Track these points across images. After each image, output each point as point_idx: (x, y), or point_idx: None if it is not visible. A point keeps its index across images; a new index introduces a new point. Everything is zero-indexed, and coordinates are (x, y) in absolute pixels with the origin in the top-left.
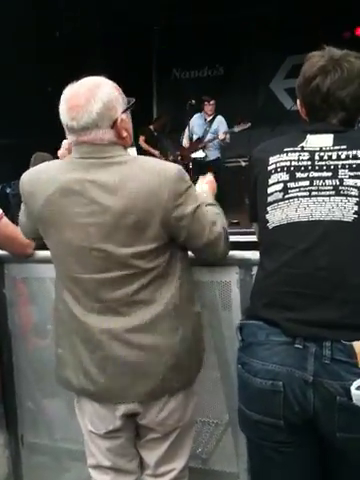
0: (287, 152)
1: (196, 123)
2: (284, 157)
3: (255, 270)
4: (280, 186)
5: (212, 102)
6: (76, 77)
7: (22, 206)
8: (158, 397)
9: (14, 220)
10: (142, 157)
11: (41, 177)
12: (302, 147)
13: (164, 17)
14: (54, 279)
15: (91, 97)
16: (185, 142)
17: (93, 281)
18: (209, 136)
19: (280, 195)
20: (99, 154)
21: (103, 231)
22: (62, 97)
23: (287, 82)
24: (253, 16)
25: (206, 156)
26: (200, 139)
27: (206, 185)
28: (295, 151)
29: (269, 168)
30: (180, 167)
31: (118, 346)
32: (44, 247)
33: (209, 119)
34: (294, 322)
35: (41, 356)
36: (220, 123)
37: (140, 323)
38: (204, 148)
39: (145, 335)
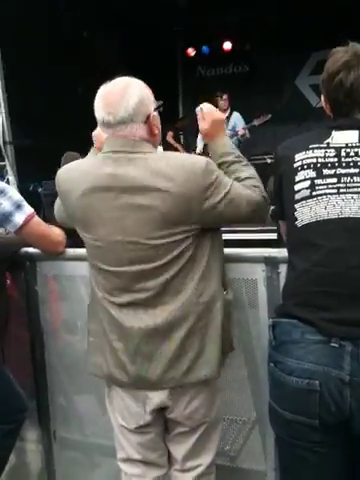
0: (313, 149)
1: None
2: (310, 154)
3: (281, 268)
4: (307, 183)
5: (225, 97)
6: (104, 78)
7: (58, 200)
8: (185, 390)
9: (46, 219)
10: (171, 152)
11: (74, 174)
12: (328, 143)
13: (188, 16)
14: (84, 277)
15: (126, 93)
16: (200, 147)
17: (126, 274)
18: (227, 133)
19: (308, 192)
20: (131, 149)
21: (136, 224)
22: (98, 94)
23: (312, 78)
24: (277, 13)
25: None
26: None
27: (213, 123)
28: (321, 148)
29: (295, 165)
30: (208, 159)
31: (149, 335)
32: (74, 245)
33: (225, 116)
34: (329, 321)
35: (72, 352)
36: (237, 119)
37: (171, 312)
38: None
39: (176, 324)
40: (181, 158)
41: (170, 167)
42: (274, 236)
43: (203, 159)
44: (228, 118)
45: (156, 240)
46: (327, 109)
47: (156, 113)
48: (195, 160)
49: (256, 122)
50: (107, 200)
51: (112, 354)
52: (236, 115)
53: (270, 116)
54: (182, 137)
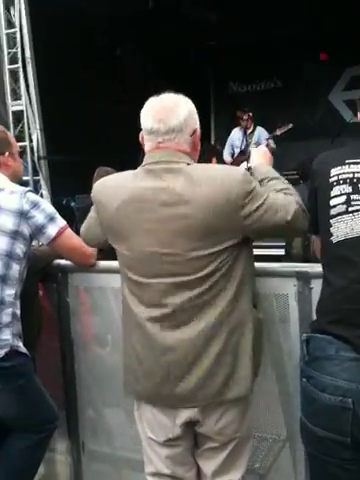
0: (349, 164)
1: (235, 137)
2: (346, 169)
3: (313, 283)
4: (343, 198)
5: (246, 117)
6: (137, 94)
7: (91, 213)
8: (216, 405)
9: (78, 232)
10: (210, 165)
11: (111, 186)
12: None
13: (220, 31)
14: (115, 289)
15: (178, 104)
16: (228, 159)
17: (158, 285)
18: (264, 143)
19: (343, 208)
20: (173, 159)
21: (173, 236)
22: (147, 104)
23: (346, 94)
24: (311, 28)
25: (250, 168)
26: (243, 152)
27: (261, 156)
28: (357, 163)
29: (331, 180)
30: (245, 170)
31: (181, 351)
32: (105, 258)
33: (249, 131)
34: None
35: (102, 365)
36: (261, 133)
37: (203, 328)
38: (248, 160)
39: (208, 341)
40: (220, 167)
41: (209, 176)
42: (282, 252)
43: (241, 169)
44: (252, 133)
45: (192, 252)
46: None
47: (199, 132)
48: (234, 169)
49: (278, 132)
50: (145, 211)
51: (143, 371)
52: (260, 129)
53: (291, 125)
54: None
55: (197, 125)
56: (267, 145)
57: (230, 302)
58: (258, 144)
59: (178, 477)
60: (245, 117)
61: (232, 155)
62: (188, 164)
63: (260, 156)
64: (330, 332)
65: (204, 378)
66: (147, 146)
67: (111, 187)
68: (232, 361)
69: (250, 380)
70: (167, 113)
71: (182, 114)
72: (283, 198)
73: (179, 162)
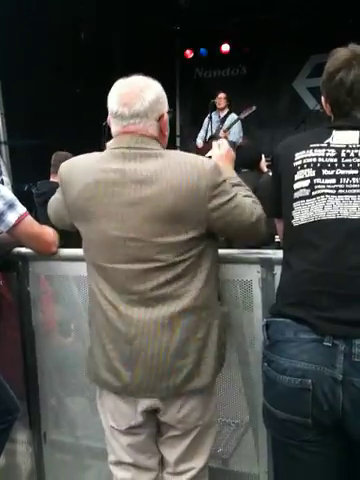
0: (313, 148)
1: (214, 120)
2: (310, 153)
3: (276, 269)
4: (307, 182)
5: (221, 95)
6: (101, 78)
7: (57, 195)
8: (179, 395)
9: (38, 219)
10: (179, 151)
11: (79, 166)
12: (328, 143)
13: (187, 17)
14: (77, 277)
15: (145, 88)
16: (199, 142)
17: (124, 271)
18: (222, 134)
19: (307, 192)
20: (140, 145)
21: (139, 221)
22: (113, 88)
23: (310, 81)
24: (276, 15)
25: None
26: (213, 136)
27: (224, 158)
28: (321, 147)
29: (295, 164)
30: (216, 162)
31: (144, 340)
32: (66, 246)
33: (223, 115)
34: (324, 320)
35: (64, 354)
36: (233, 117)
37: (166, 317)
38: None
39: (173, 331)
40: (191, 156)
41: (179, 163)
42: None
43: (213, 160)
44: (224, 118)
45: (158, 238)
46: (327, 110)
47: (167, 117)
48: (205, 159)
49: (242, 115)
50: (111, 195)
51: (105, 358)
52: (233, 116)
53: (255, 107)
54: (179, 139)
55: (165, 109)
56: (225, 137)
57: (195, 293)
58: (232, 142)
59: (140, 465)
60: (220, 95)
61: (204, 139)
62: (156, 150)
63: (222, 158)
64: (289, 315)
65: (167, 369)
66: (113, 129)
67: (79, 167)
68: (197, 353)
69: (213, 373)
70: (132, 97)
71: (148, 98)
72: (250, 201)
73: (146, 148)
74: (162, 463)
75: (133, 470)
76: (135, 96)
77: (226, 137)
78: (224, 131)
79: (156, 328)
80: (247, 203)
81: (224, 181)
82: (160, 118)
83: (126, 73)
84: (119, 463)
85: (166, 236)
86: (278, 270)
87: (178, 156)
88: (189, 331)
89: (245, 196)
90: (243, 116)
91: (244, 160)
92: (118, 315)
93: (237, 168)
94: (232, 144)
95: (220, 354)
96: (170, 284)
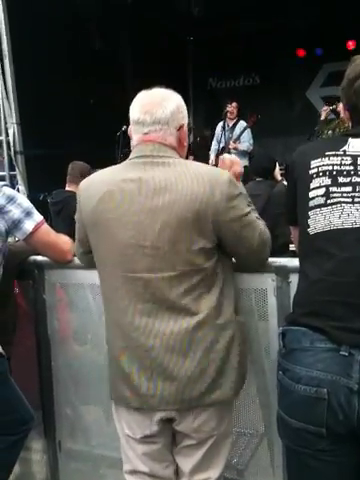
0: (329, 156)
1: (218, 131)
2: (326, 161)
3: (292, 278)
4: (322, 190)
5: (233, 104)
6: (116, 89)
7: (77, 224)
8: (197, 407)
9: (53, 228)
10: (196, 162)
11: (97, 180)
12: (344, 151)
13: (199, 27)
14: (92, 285)
15: (166, 98)
16: (212, 158)
17: (140, 280)
18: (231, 145)
19: (322, 200)
20: (158, 153)
21: (155, 229)
22: (136, 98)
23: (323, 90)
24: (289, 24)
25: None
26: (224, 148)
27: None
28: (337, 155)
29: (311, 172)
30: (232, 175)
31: (163, 352)
32: None
33: (231, 124)
34: (340, 329)
35: (79, 362)
36: (242, 126)
37: (184, 328)
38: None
39: (190, 342)
40: (208, 167)
41: (196, 173)
42: None
43: (228, 172)
44: (233, 127)
45: (175, 247)
46: (346, 117)
47: (186, 128)
48: (221, 171)
49: (250, 124)
50: (127, 203)
51: (124, 371)
52: (242, 124)
53: (259, 117)
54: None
55: (185, 121)
56: (235, 148)
57: (213, 304)
58: (237, 137)
59: (155, 474)
60: (233, 104)
61: (216, 152)
62: (174, 159)
63: (231, 172)
64: (305, 324)
65: (186, 383)
66: (134, 138)
67: (97, 180)
68: (217, 365)
69: (235, 386)
70: (154, 105)
71: (169, 107)
72: (263, 224)
73: (165, 156)
74: (177, 473)
75: (148, 479)
76: (157, 104)
77: (236, 148)
78: (233, 142)
79: (175, 339)
80: (259, 225)
81: (240, 194)
82: (180, 128)
83: (139, 85)
84: (134, 472)
85: (182, 245)
86: (293, 278)
87: (194, 166)
88: (208, 342)
89: (257, 218)
90: (250, 125)
91: (258, 169)
92: (135, 326)
93: (251, 177)
94: (245, 153)
95: (241, 366)
96: (188, 294)
